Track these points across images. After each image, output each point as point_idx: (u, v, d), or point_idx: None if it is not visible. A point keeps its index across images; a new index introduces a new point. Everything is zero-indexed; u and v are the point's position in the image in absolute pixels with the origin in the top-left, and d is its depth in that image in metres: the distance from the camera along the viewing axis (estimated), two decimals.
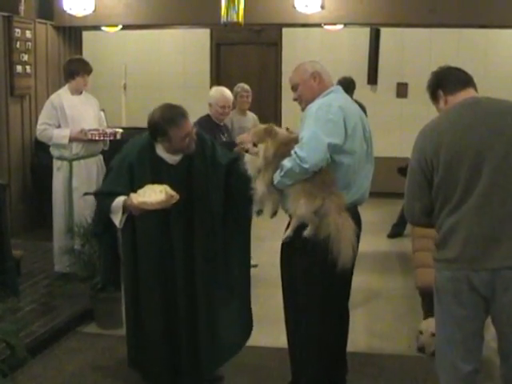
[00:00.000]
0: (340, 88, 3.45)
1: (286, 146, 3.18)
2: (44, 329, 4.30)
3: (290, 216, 3.30)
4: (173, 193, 3.20)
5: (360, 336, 4.44)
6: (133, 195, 3.24)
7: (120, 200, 3.31)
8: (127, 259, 3.50)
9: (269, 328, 4.64)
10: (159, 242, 3.43)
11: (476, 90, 2.84)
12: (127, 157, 3.44)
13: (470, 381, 2.72)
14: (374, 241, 6.90)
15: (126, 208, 3.30)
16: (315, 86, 3.35)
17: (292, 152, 3.09)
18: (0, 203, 4.67)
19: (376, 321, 4.85)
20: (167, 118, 3.31)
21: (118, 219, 3.33)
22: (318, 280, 3.25)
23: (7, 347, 3.21)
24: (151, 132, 3.39)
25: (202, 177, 3.47)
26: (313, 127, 3.11)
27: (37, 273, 5.45)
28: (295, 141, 3.17)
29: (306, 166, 3.03)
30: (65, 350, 4.24)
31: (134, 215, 3.34)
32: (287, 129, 3.40)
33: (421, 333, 3.38)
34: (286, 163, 3.09)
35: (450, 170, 2.62)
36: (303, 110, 3.39)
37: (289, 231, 3.26)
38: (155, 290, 3.45)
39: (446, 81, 2.84)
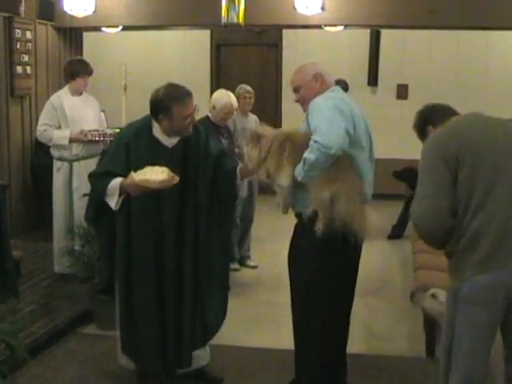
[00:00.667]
0: (339, 88, 3.46)
1: (285, 143, 3.17)
2: (44, 330, 4.30)
3: (297, 216, 3.30)
4: (173, 174, 3.22)
5: (360, 337, 4.43)
6: (133, 174, 3.23)
7: (117, 181, 3.29)
8: (121, 244, 3.47)
9: (269, 329, 4.65)
10: (153, 225, 3.41)
11: None
12: (123, 138, 3.44)
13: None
14: (373, 242, 6.90)
15: (122, 189, 3.29)
16: (317, 87, 3.36)
17: (311, 143, 3.04)
18: (0, 204, 4.67)
19: (376, 322, 4.85)
20: (172, 95, 3.32)
21: (114, 201, 3.32)
22: (324, 279, 3.25)
23: (7, 348, 3.20)
24: (153, 109, 3.37)
25: (195, 163, 3.47)
26: (325, 114, 3.10)
27: (37, 274, 5.44)
28: (303, 136, 3.14)
29: (332, 151, 3.00)
30: (64, 351, 4.24)
31: (129, 198, 3.32)
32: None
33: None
34: (310, 156, 3.04)
35: (473, 166, 2.60)
36: (305, 111, 3.39)
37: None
38: (148, 276, 3.43)
39: (434, 115, 2.87)
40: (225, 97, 5.38)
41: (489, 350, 2.68)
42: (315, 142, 3.02)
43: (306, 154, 3.06)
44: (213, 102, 5.39)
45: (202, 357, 3.66)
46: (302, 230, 3.27)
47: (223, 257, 3.65)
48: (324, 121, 3.08)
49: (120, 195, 3.31)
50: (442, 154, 2.66)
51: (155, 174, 3.20)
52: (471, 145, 2.63)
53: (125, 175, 3.28)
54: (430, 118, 2.87)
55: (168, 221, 3.42)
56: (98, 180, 3.41)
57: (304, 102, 3.40)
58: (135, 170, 3.25)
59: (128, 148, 3.38)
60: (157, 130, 3.42)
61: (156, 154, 3.38)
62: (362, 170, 3.27)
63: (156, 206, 3.40)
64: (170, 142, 3.43)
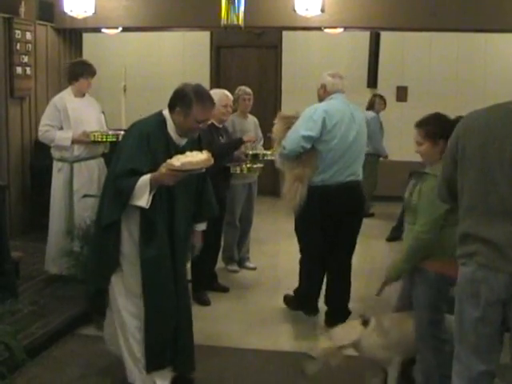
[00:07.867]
0: (339, 95, 4.57)
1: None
2: (43, 331, 4.30)
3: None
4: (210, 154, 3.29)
5: None
6: (173, 159, 3.23)
7: (145, 178, 3.28)
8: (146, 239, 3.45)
9: (268, 331, 4.64)
10: (166, 223, 3.45)
11: None
12: (144, 132, 3.42)
13: (483, 381, 2.65)
14: (373, 244, 6.91)
15: (153, 184, 3.28)
16: (322, 94, 4.65)
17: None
18: None
19: None
20: (198, 95, 3.38)
21: (144, 199, 3.29)
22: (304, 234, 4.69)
23: (6, 349, 3.20)
24: (174, 99, 3.41)
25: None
26: (299, 121, 4.49)
27: (36, 275, 5.43)
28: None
29: (285, 151, 4.52)
30: (63, 352, 4.24)
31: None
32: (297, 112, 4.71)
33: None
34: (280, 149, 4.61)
35: (472, 168, 2.58)
36: None
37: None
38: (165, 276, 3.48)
39: None
40: (218, 93, 5.44)
41: (486, 345, 2.62)
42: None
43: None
44: None
45: None
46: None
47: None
48: (294, 126, 4.49)
49: (150, 192, 3.30)
50: (456, 136, 2.66)
51: (191, 157, 3.24)
52: (470, 139, 2.59)
53: (148, 170, 3.28)
54: None
55: (178, 216, 3.49)
56: (123, 181, 3.36)
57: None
58: (153, 164, 3.29)
59: (149, 139, 3.38)
60: (170, 128, 3.47)
61: (169, 151, 3.40)
62: (331, 156, 4.45)
63: (168, 200, 3.44)
64: (180, 141, 3.50)
